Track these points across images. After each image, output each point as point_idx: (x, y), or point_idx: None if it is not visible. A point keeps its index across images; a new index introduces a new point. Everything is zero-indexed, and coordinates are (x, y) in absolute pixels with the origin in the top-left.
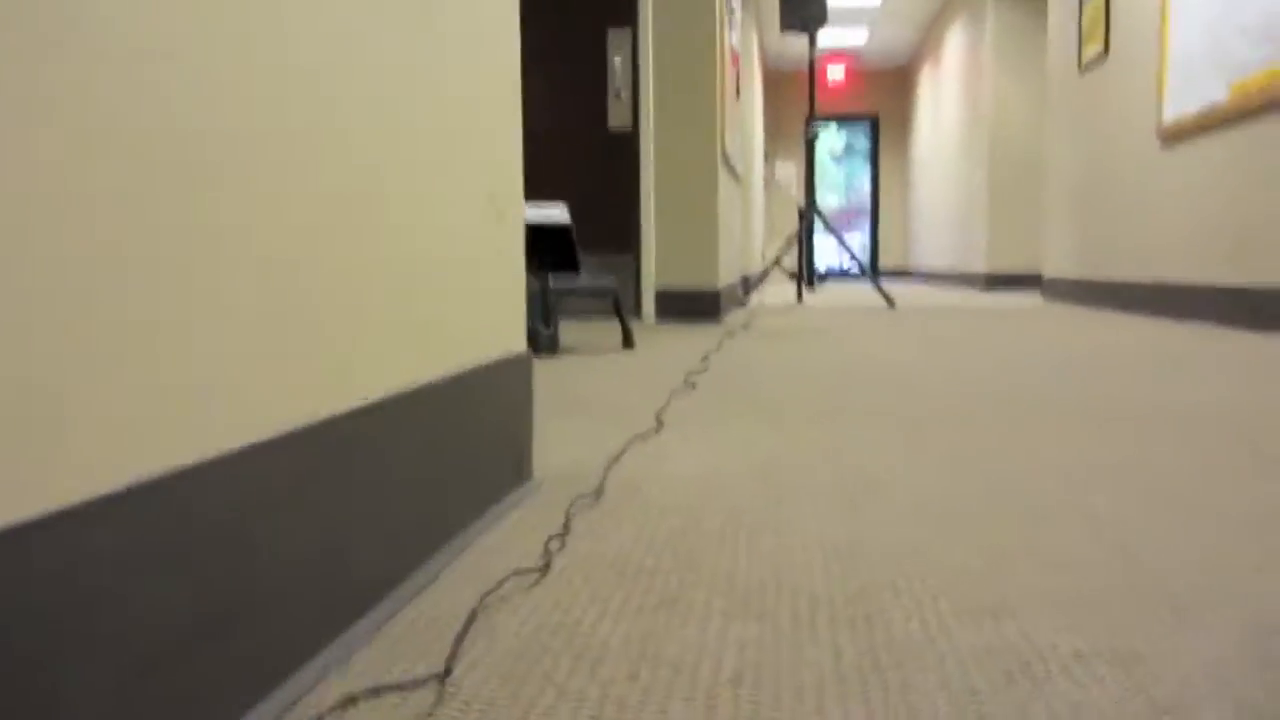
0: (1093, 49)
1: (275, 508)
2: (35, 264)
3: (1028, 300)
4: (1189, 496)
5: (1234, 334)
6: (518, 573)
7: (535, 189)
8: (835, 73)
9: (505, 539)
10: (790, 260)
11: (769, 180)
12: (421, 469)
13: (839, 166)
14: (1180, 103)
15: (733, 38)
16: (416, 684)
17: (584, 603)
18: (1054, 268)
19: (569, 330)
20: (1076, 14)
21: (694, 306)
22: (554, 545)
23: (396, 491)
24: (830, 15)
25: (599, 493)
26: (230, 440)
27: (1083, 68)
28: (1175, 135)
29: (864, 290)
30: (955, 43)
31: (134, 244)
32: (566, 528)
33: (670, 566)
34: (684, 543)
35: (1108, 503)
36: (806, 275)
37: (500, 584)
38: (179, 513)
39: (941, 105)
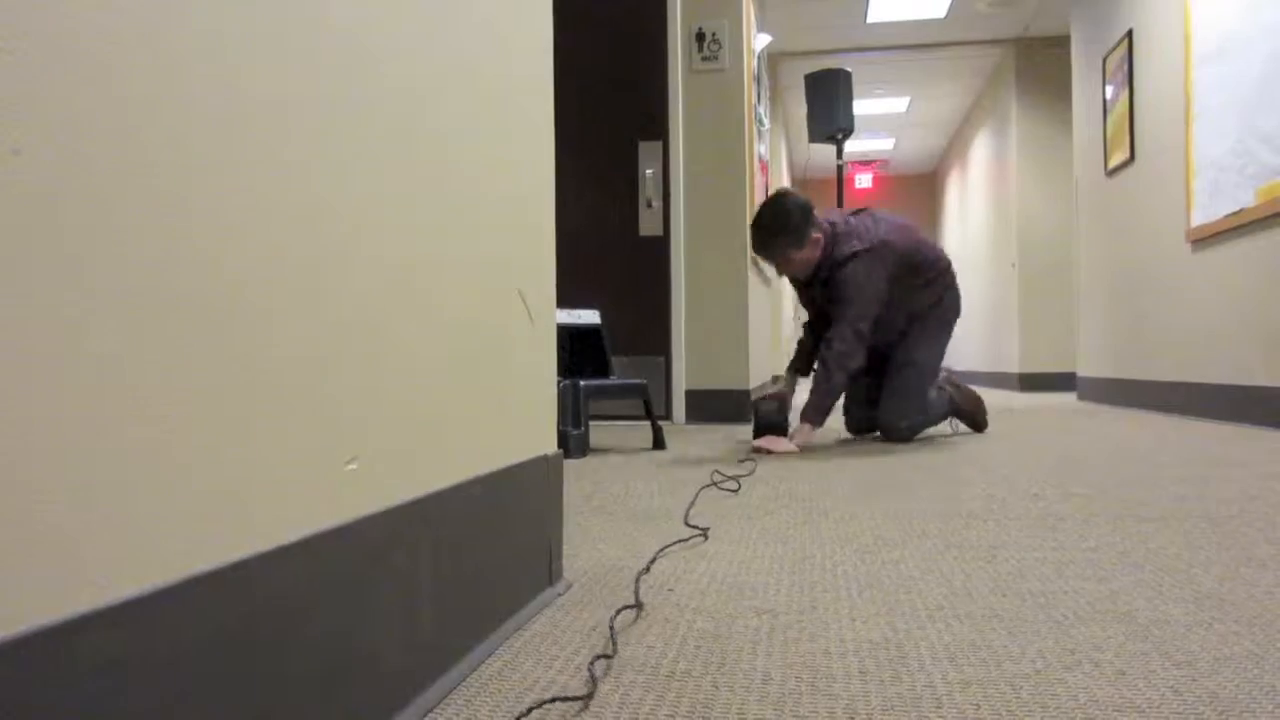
0: (1119, 156)
1: (290, 616)
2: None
3: (1063, 400)
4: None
5: (1269, 434)
6: (556, 695)
7: (569, 293)
8: (863, 180)
9: (535, 642)
10: None
11: None
12: (450, 571)
13: None
14: (1208, 207)
15: (762, 149)
16: None
17: (615, 708)
18: (1089, 367)
19: (599, 432)
20: (1101, 122)
21: (725, 406)
22: (588, 655)
23: (425, 594)
24: (857, 124)
25: (632, 595)
26: (241, 548)
27: (1109, 173)
28: (1204, 238)
29: None
30: (981, 148)
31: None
32: (613, 641)
33: (702, 670)
34: (716, 646)
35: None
36: None
37: (539, 690)
38: (198, 617)
39: (969, 209)
